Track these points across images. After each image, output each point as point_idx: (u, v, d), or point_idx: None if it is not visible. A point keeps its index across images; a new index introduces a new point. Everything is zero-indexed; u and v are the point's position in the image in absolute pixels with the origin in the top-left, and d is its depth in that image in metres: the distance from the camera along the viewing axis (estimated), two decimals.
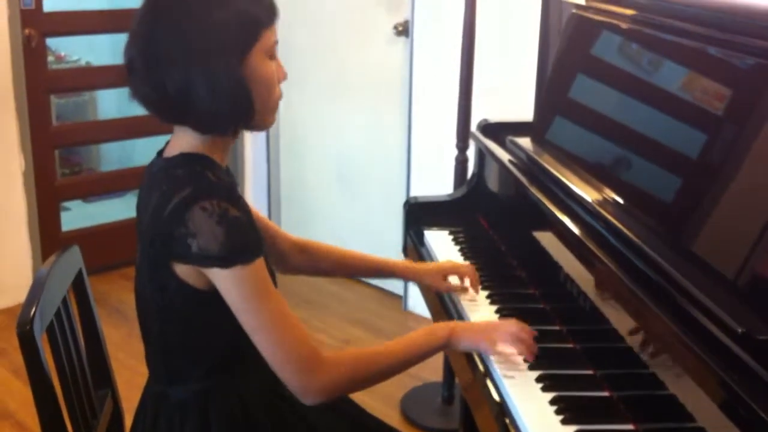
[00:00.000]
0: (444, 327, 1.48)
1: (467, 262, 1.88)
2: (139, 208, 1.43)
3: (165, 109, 1.34)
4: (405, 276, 1.85)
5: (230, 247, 1.25)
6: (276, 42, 1.37)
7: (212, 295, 1.32)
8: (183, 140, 1.38)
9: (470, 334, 1.47)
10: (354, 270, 1.87)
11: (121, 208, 4.30)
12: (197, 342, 1.40)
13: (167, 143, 1.43)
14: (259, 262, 1.29)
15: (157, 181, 1.34)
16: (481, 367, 1.50)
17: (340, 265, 1.81)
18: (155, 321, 1.41)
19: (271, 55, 1.36)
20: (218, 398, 1.42)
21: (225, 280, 1.27)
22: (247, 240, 1.29)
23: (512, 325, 1.48)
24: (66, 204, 4.11)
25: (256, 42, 1.32)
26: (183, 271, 1.32)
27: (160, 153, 1.43)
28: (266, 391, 1.46)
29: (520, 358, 1.45)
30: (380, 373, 1.40)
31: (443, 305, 1.80)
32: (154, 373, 1.47)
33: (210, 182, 1.31)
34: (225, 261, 1.26)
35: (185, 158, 1.35)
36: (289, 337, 1.30)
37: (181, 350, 1.41)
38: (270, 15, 1.35)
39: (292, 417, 1.47)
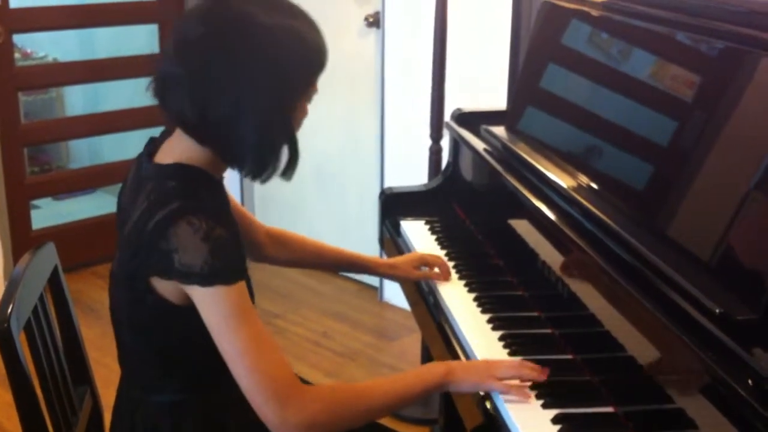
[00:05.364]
0: (440, 366, 1.36)
1: (443, 255, 1.90)
2: (122, 208, 1.39)
3: (195, 130, 1.27)
4: (378, 271, 1.84)
5: (212, 266, 1.20)
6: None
7: (188, 311, 1.28)
8: (182, 148, 1.31)
9: (471, 374, 1.35)
10: (327, 262, 1.85)
11: (92, 206, 4.25)
12: (170, 357, 1.37)
13: (160, 142, 1.37)
14: (241, 285, 1.24)
15: (146, 188, 1.29)
16: (461, 355, 1.51)
17: (313, 257, 1.81)
18: (128, 332, 1.38)
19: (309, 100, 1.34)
20: (193, 412, 1.38)
21: (204, 299, 1.22)
22: (231, 261, 1.24)
23: (512, 360, 1.39)
24: (36, 202, 4.06)
25: (311, 86, 1.30)
26: (162, 286, 1.27)
27: (150, 152, 1.36)
28: (247, 404, 1.43)
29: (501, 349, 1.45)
30: (366, 411, 1.29)
31: (422, 296, 1.81)
32: (128, 379, 1.45)
33: (199, 199, 1.26)
34: (206, 279, 1.21)
35: (180, 169, 1.29)
36: (265, 363, 1.21)
37: (153, 363, 1.38)
38: (326, 57, 1.32)
39: None
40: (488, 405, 1.33)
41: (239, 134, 1.25)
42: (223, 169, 1.37)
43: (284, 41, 1.24)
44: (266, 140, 1.27)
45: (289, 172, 1.35)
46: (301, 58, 1.27)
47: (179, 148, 1.32)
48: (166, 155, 1.33)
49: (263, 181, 1.33)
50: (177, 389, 1.39)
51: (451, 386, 1.34)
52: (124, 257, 1.30)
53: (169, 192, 1.26)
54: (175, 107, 1.27)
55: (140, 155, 1.40)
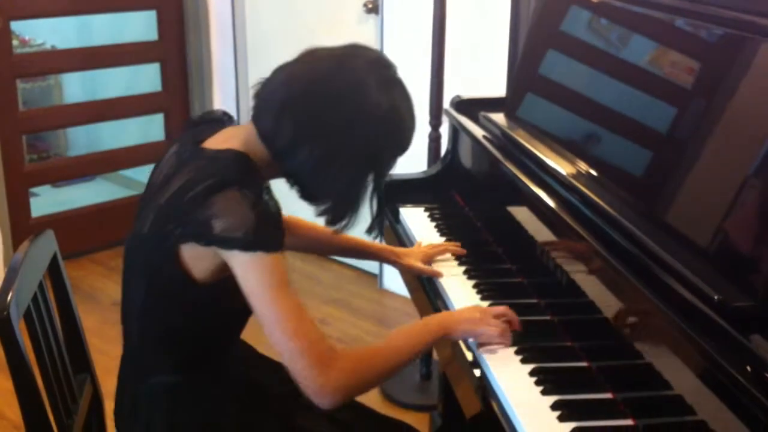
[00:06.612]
0: (438, 318, 1.46)
1: (443, 242, 1.90)
2: (152, 185, 1.40)
3: (276, 152, 1.33)
4: (385, 259, 1.86)
5: (257, 232, 1.23)
6: None
7: (204, 289, 1.31)
8: (241, 139, 1.34)
9: (463, 324, 1.44)
10: (335, 249, 1.89)
11: (91, 193, 4.25)
12: (172, 336, 1.39)
13: (209, 127, 1.40)
14: (280, 256, 1.27)
15: (191, 165, 1.31)
16: (460, 343, 1.51)
17: (321, 243, 1.82)
18: (137, 310, 1.39)
19: None
20: (188, 397, 1.41)
21: (244, 265, 1.25)
22: (273, 231, 1.27)
23: (498, 308, 1.48)
24: (34, 190, 4.06)
25: (388, 164, 1.39)
26: (191, 255, 1.29)
27: (197, 138, 1.38)
28: (241, 386, 1.45)
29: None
30: (383, 370, 1.35)
31: (421, 283, 1.81)
32: (130, 354, 1.47)
33: (247, 176, 1.29)
34: (249, 245, 1.23)
35: (231, 153, 1.31)
36: (305, 329, 1.25)
37: (154, 343, 1.40)
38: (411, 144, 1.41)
39: (266, 412, 1.45)
40: (488, 393, 1.34)
41: (316, 181, 1.34)
42: (272, 177, 1.39)
43: (382, 123, 1.33)
44: (342, 198, 1.36)
45: (375, 229, 1.47)
46: (392, 140, 1.37)
47: (239, 139, 1.34)
48: (219, 142, 1.35)
49: (339, 231, 1.42)
50: (172, 370, 1.40)
51: (446, 336, 1.44)
52: (151, 226, 1.32)
53: (217, 168, 1.28)
54: (268, 127, 1.32)
55: (182, 139, 1.41)
